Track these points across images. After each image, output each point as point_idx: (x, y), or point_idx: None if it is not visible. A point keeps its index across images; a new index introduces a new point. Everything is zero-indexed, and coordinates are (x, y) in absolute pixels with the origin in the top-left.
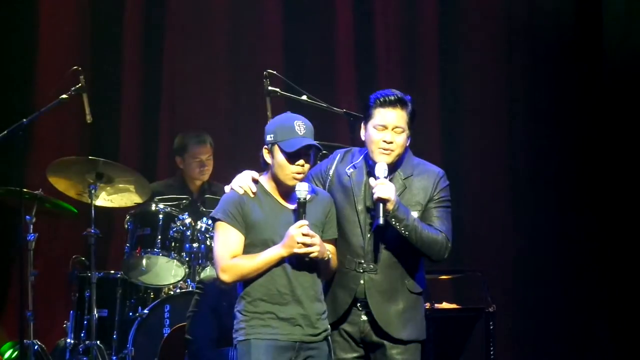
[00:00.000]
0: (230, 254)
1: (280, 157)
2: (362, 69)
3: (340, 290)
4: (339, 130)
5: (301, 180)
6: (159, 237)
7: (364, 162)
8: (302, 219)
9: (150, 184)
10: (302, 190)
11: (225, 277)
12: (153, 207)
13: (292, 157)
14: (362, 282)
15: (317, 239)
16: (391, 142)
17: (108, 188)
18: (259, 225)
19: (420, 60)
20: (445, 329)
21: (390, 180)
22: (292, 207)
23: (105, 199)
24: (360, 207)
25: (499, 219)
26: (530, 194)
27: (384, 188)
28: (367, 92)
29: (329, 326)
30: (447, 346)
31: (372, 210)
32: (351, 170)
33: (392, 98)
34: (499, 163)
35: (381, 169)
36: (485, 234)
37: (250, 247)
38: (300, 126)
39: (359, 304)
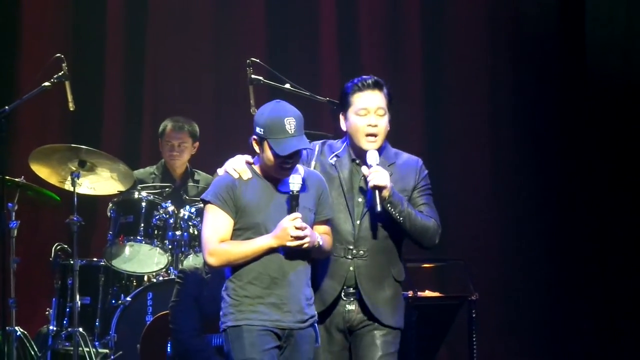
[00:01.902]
0: (218, 238)
1: (269, 153)
2: (346, 57)
3: (329, 279)
4: (322, 119)
5: (289, 173)
6: (142, 224)
7: (347, 150)
8: (295, 211)
9: (133, 172)
10: (295, 182)
11: (212, 260)
12: (136, 194)
13: (282, 157)
14: (351, 268)
15: (308, 230)
16: (376, 125)
17: (91, 176)
18: (250, 209)
19: (403, 50)
20: (428, 317)
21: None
22: (284, 190)
23: (87, 187)
24: (348, 194)
25: (481, 207)
26: (513, 181)
27: (379, 175)
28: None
29: (315, 312)
30: (430, 334)
31: (366, 196)
32: (335, 158)
33: (370, 82)
34: (482, 151)
35: (373, 157)
36: (468, 222)
37: (242, 231)
38: (291, 124)
39: (344, 294)
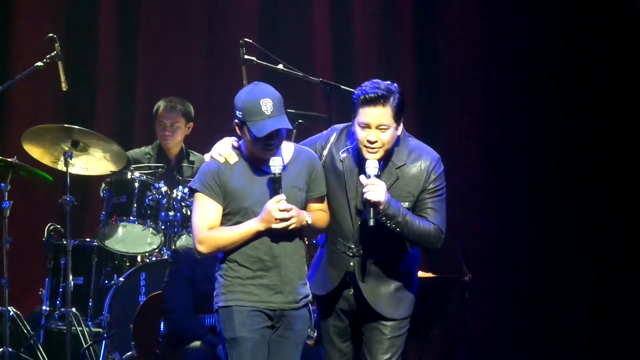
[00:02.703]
0: (207, 225)
1: (250, 136)
2: (338, 37)
3: (332, 268)
4: (315, 100)
5: (274, 154)
6: (135, 205)
7: (357, 149)
8: (277, 193)
9: (128, 151)
10: (276, 165)
11: (202, 248)
12: (129, 175)
13: (262, 138)
14: (352, 264)
15: (294, 211)
16: (376, 141)
17: (83, 156)
18: (237, 194)
19: (395, 31)
20: (421, 298)
21: (383, 170)
22: (270, 172)
23: (80, 167)
24: (351, 194)
25: (474, 189)
26: (505, 162)
27: (374, 191)
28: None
29: (309, 292)
30: (423, 315)
31: (362, 209)
32: (345, 155)
33: (373, 96)
34: (474, 131)
35: (372, 167)
36: (461, 203)
37: (231, 215)
38: (267, 105)
39: (349, 280)
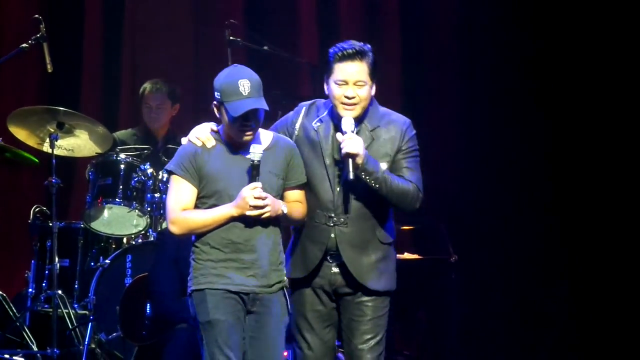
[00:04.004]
0: (181, 206)
1: (227, 117)
2: (324, 19)
3: (311, 244)
4: (301, 81)
5: (251, 137)
6: (121, 187)
7: (330, 116)
8: (255, 181)
9: (115, 133)
10: (256, 152)
11: (174, 229)
12: (114, 157)
13: (239, 119)
14: (332, 235)
15: (269, 199)
16: (353, 97)
17: (69, 138)
18: (213, 177)
19: (381, 9)
20: (407, 279)
21: (357, 132)
22: (248, 156)
23: (66, 149)
24: (328, 160)
25: (459, 169)
26: (490, 143)
27: (352, 143)
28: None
29: (284, 277)
30: (409, 296)
31: (340, 164)
32: (317, 124)
33: (351, 51)
34: (459, 111)
35: (348, 123)
36: (447, 183)
37: (206, 199)
38: (245, 85)
39: (329, 257)
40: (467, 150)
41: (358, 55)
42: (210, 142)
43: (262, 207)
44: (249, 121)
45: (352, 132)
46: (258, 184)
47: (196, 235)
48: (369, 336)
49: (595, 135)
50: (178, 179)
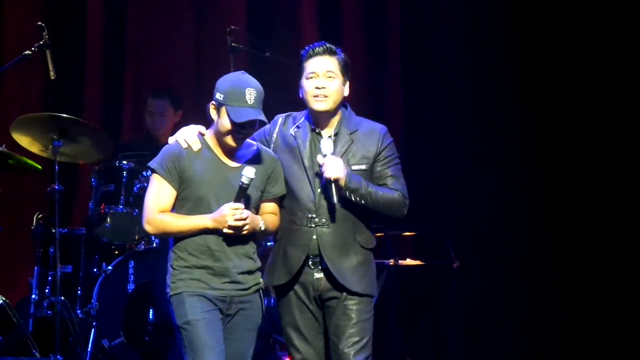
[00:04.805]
0: (158, 208)
1: (225, 120)
2: (326, 25)
3: (293, 248)
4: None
5: (242, 143)
6: (123, 193)
7: (307, 121)
8: (239, 202)
9: (120, 140)
10: (247, 175)
11: (149, 228)
12: (117, 163)
13: (237, 125)
14: (314, 237)
15: (249, 219)
16: (323, 87)
17: (72, 144)
18: (195, 181)
19: (382, 12)
20: (410, 285)
21: (337, 135)
22: (232, 165)
23: (69, 156)
24: (307, 163)
25: (461, 175)
26: (494, 148)
27: (332, 166)
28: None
29: (260, 280)
30: (411, 302)
31: (323, 188)
32: (295, 130)
33: (319, 48)
34: (463, 118)
35: (327, 146)
36: (449, 189)
37: (185, 201)
38: (252, 94)
39: (311, 262)
40: (469, 155)
41: (327, 51)
42: (197, 145)
43: (239, 227)
44: (245, 129)
45: (331, 154)
46: (241, 206)
47: (173, 242)
48: (355, 339)
49: (602, 142)
50: (159, 179)
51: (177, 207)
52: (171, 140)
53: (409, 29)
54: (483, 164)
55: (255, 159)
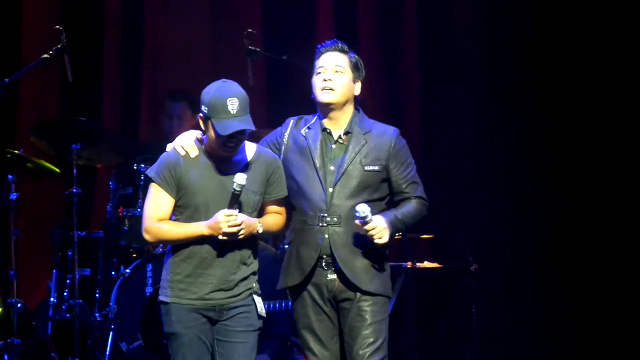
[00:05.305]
0: (156, 216)
1: (212, 133)
2: (342, 28)
3: (305, 248)
4: None
5: (234, 152)
6: (141, 196)
7: (318, 121)
8: (232, 208)
9: (138, 143)
10: (238, 182)
11: (147, 237)
12: (135, 166)
13: (224, 137)
14: (326, 236)
15: (243, 224)
16: (330, 80)
17: (90, 148)
18: (192, 188)
19: (399, 17)
20: (427, 288)
21: (349, 134)
22: (229, 171)
23: (87, 159)
24: (318, 163)
25: (479, 179)
26: (510, 153)
27: (381, 235)
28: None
29: (253, 284)
30: (429, 305)
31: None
32: (306, 130)
33: (331, 46)
34: (479, 125)
35: (361, 210)
36: (466, 193)
37: (183, 209)
38: (234, 104)
39: (324, 263)
40: (488, 159)
41: (338, 48)
42: (194, 151)
43: (234, 233)
44: (235, 137)
45: (369, 217)
46: (234, 212)
47: (171, 249)
48: (370, 340)
49: (624, 145)
50: (157, 188)
51: (177, 214)
52: (169, 147)
53: (426, 32)
54: (501, 167)
55: (253, 164)
